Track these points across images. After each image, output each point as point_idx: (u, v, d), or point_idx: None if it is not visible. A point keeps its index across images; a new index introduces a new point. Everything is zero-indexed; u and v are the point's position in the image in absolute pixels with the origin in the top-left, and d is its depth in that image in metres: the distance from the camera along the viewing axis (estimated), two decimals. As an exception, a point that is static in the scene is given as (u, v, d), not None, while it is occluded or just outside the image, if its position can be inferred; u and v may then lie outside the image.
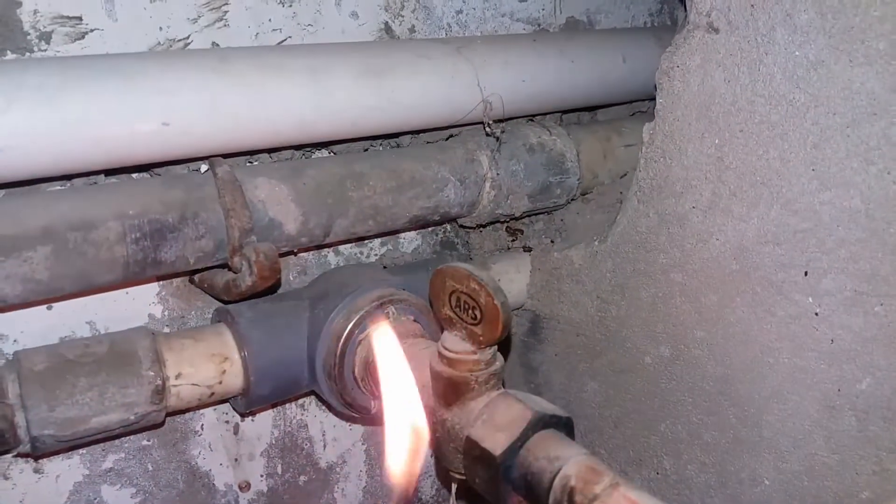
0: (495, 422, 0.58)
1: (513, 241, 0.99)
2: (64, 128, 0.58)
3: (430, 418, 0.64)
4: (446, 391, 0.61)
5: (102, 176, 0.69)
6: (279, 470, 0.88)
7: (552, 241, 0.96)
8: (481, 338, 0.60)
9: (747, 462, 0.71)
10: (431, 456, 1.01)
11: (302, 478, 0.90)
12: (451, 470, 0.64)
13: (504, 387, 0.63)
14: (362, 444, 0.94)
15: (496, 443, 0.56)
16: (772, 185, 0.65)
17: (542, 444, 0.56)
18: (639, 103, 1.07)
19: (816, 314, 0.63)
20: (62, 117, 0.58)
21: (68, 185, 0.68)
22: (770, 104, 0.64)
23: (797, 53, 0.61)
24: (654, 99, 0.78)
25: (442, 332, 0.63)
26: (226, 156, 0.73)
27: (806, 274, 0.64)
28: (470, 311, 0.61)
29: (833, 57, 0.59)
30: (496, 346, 0.62)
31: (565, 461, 0.53)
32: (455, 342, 0.61)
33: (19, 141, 0.57)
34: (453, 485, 0.67)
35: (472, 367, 0.60)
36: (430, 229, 0.95)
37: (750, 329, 0.69)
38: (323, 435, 0.91)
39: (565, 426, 0.59)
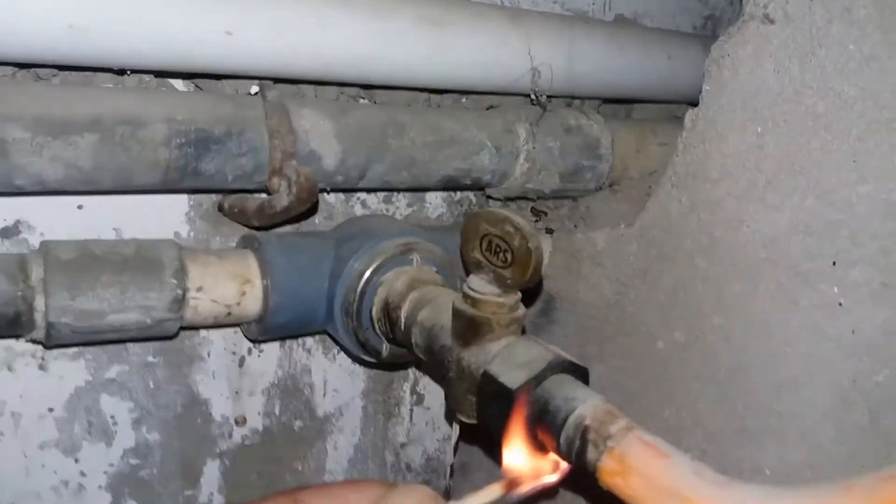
0: (514, 360, 0.58)
1: (536, 221, 0.99)
2: (132, 19, 0.59)
3: (445, 358, 0.64)
4: (466, 331, 0.62)
5: (154, 81, 0.70)
6: (277, 411, 0.88)
7: (575, 226, 0.96)
8: (509, 281, 0.60)
9: (750, 451, 0.71)
10: (426, 424, 1.01)
11: (297, 423, 0.90)
12: (458, 412, 0.64)
13: (524, 335, 0.63)
14: (361, 400, 0.94)
15: (513, 378, 0.56)
16: (810, 175, 0.66)
17: (559, 384, 0.56)
18: (675, 108, 1.09)
19: (840, 304, 0.64)
20: (132, 8, 0.59)
21: (120, 85, 0.69)
22: (818, 96, 0.65)
23: (851, 47, 0.63)
24: (692, 104, 0.79)
25: (468, 277, 0.64)
26: (275, 83, 0.74)
27: (834, 264, 0.64)
28: (501, 255, 0.61)
29: (887, 52, 0.61)
30: (520, 294, 0.62)
31: (582, 402, 0.53)
32: (481, 284, 0.62)
33: (88, 23, 0.58)
34: (454, 430, 0.67)
35: (495, 308, 0.61)
36: (455, 199, 0.96)
37: (771, 318, 0.69)
38: (325, 384, 0.90)
39: (582, 376, 0.59)
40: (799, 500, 0.40)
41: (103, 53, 0.62)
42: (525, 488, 0.47)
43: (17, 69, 0.66)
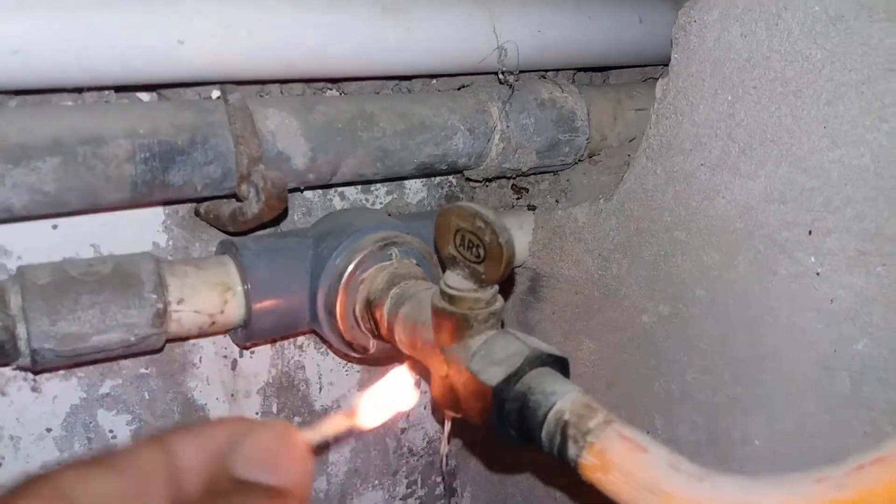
0: (493, 357, 0.58)
1: (518, 199, 0.99)
2: (81, 36, 0.58)
3: (427, 353, 0.65)
4: (445, 328, 0.62)
5: (113, 95, 0.69)
6: (274, 409, 0.89)
7: (557, 201, 0.96)
8: (483, 276, 0.60)
9: (740, 421, 0.72)
10: (424, 408, 1.02)
11: (296, 419, 0.91)
12: (443, 407, 0.65)
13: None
14: (357, 391, 0.95)
15: (492, 375, 0.57)
16: (782, 142, 0.65)
17: (538, 379, 0.56)
18: (651, 69, 1.07)
19: (818, 274, 0.64)
20: (80, 26, 0.58)
21: (79, 101, 0.68)
22: (786, 60, 0.64)
23: (817, 8, 0.61)
24: (667, 65, 0.77)
25: (444, 273, 0.63)
26: (238, 85, 0.73)
27: (810, 233, 0.64)
28: (474, 250, 0.61)
29: (853, 12, 0.59)
30: (497, 287, 0.62)
31: (560, 396, 0.54)
32: (457, 280, 0.61)
33: (35, 45, 0.57)
34: (447, 422, 0.68)
35: (472, 304, 0.61)
36: (435, 182, 0.95)
37: (750, 288, 0.69)
38: (319, 378, 0.91)
39: (561, 366, 0.59)
40: (770, 492, 0.40)
41: (55, 75, 0.61)
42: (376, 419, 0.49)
43: (-28, 98, 0.65)
